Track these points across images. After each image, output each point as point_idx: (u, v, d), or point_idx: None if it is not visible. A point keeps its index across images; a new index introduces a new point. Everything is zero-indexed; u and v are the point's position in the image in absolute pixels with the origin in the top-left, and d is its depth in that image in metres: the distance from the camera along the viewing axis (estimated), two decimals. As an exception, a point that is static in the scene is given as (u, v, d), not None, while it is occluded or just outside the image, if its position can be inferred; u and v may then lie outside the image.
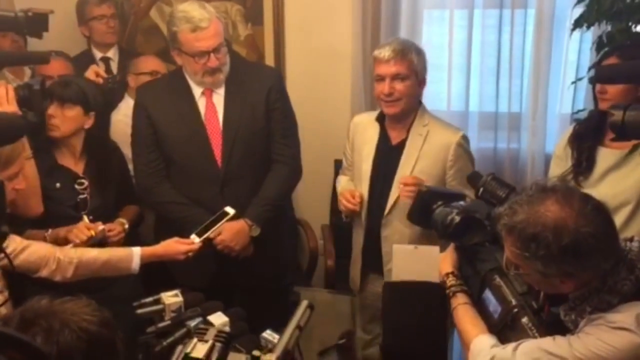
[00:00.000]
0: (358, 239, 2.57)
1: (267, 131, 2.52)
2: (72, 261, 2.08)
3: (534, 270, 1.43)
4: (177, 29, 2.35)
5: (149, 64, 2.97)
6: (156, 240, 2.44)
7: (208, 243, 2.38)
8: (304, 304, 1.89)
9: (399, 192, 2.37)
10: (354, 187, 2.54)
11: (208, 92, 2.48)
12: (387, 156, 2.46)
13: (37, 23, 2.19)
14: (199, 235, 2.29)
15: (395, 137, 2.46)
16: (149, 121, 2.47)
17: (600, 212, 1.42)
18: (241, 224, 2.44)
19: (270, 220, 2.51)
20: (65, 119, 2.36)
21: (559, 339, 1.44)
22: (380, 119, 2.50)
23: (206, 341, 1.76)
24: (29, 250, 2.02)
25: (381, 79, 2.38)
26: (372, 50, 3.14)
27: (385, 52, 2.36)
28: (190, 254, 2.25)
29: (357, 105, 3.23)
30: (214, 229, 2.32)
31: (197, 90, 2.48)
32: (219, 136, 2.47)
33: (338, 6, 3.17)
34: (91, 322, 1.15)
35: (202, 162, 2.47)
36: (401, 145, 2.44)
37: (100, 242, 2.36)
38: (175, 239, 2.26)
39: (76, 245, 2.28)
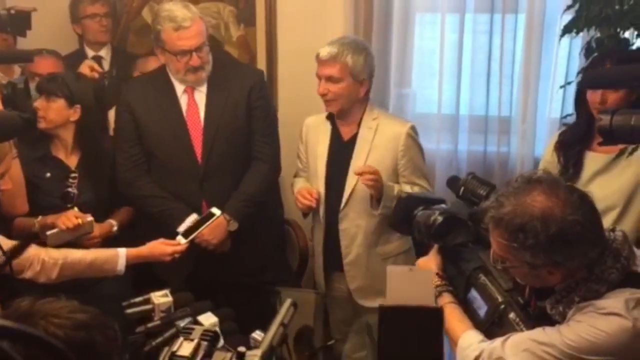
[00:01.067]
0: (318, 238, 2.65)
1: (248, 129, 2.56)
2: (56, 262, 2.08)
3: (522, 261, 1.45)
4: (160, 28, 2.38)
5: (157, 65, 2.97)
6: (137, 237, 2.46)
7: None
8: (288, 302, 1.92)
9: (353, 184, 2.46)
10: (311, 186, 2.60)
11: (190, 89, 2.52)
12: (340, 152, 2.53)
13: (20, 21, 2.19)
14: (185, 236, 2.31)
15: (346, 132, 2.54)
16: (131, 117, 2.51)
17: (585, 201, 1.44)
18: (219, 218, 2.46)
19: (248, 216, 2.53)
20: (50, 111, 2.41)
21: (549, 329, 1.46)
22: (331, 117, 2.57)
23: (192, 340, 1.78)
24: None
25: (319, 78, 2.46)
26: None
27: (322, 53, 2.44)
28: (176, 255, 2.26)
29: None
30: (200, 229, 2.34)
31: (179, 88, 2.52)
32: (200, 133, 2.51)
33: (330, 9, 3.18)
34: (61, 326, 1.11)
35: (182, 158, 2.51)
36: (353, 140, 2.52)
37: (75, 241, 2.36)
38: (161, 240, 2.27)
39: (61, 232, 2.29)
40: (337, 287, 2.65)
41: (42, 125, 2.42)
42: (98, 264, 2.16)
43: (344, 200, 2.50)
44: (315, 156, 2.58)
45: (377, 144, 2.48)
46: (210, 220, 2.38)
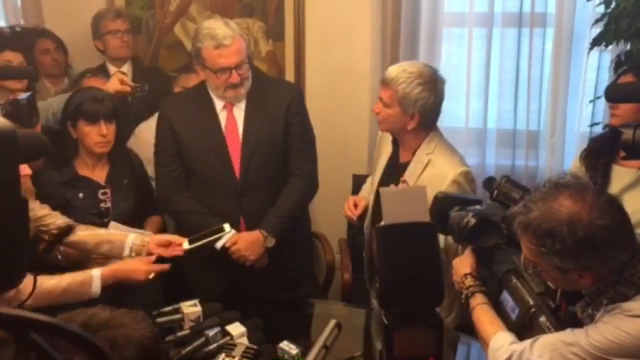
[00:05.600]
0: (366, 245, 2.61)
1: (285, 145, 2.57)
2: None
3: (552, 266, 1.45)
4: (201, 45, 2.41)
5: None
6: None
7: (222, 252, 2.43)
8: (332, 323, 1.82)
9: None
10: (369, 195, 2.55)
11: (229, 105, 2.54)
12: (393, 173, 2.44)
13: (25, 39, 2.19)
14: (190, 242, 2.26)
15: (403, 156, 2.45)
16: (171, 132, 2.53)
17: (613, 205, 1.44)
18: (256, 234, 2.48)
19: (285, 232, 2.55)
20: (110, 135, 2.44)
21: (577, 330, 1.46)
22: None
23: (234, 357, 1.79)
24: None
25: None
26: (391, 68, 3.22)
27: (385, 73, 2.34)
28: (151, 275, 2.19)
29: (375, 122, 3.23)
30: (203, 242, 2.27)
31: (218, 104, 2.53)
32: (239, 148, 2.52)
33: (358, 24, 3.22)
34: (149, 339, 1.20)
35: (221, 173, 2.52)
36: (406, 165, 2.40)
37: None
38: (139, 258, 2.22)
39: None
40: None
41: (106, 149, 2.46)
42: (73, 289, 2.07)
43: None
44: (376, 166, 2.55)
45: (423, 180, 2.28)
46: (216, 236, 2.31)
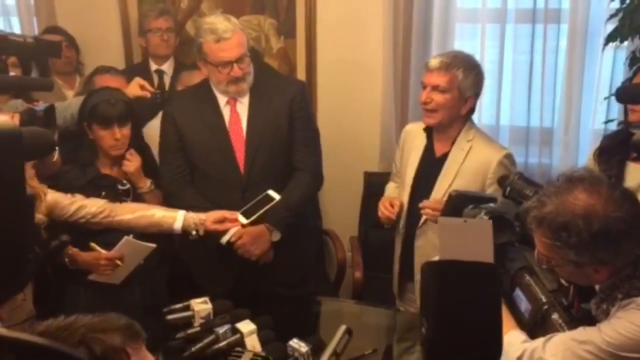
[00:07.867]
0: (397, 246, 2.59)
1: (289, 140, 2.57)
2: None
3: (567, 260, 1.43)
4: (202, 40, 2.42)
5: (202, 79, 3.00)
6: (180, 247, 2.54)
7: (228, 247, 2.44)
8: (342, 329, 1.81)
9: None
10: (399, 195, 2.54)
11: (232, 101, 2.54)
12: (430, 167, 2.46)
13: (48, 50, 2.22)
14: (246, 215, 2.35)
15: (439, 149, 2.46)
16: (175, 129, 2.54)
17: (628, 197, 1.42)
18: (261, 228, 2.47)
19: (290, 226, 2.54)
20: (124, 137, 2.44)
21: (589, 328, 1.44)
22: (428, 129, 2.50)
23: None
24: None
25: (424, 86, 2.39)
26: (403, 64, 3.20)
27: (433, 62, 2.37)
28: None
29: (387, 118, 3.25)
30: (262, 210, 2.36)
31: (222, 100, 2.54)
32: (242, 144, 2.52)
33: (369, 20, 3.21)
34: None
35: (225, 169, 2.53)
36: (444, 157, 2.43)
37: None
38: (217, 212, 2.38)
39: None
40: (410, 296, 2.61)
41: (122, 151, 2.46)
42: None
43: (423, 217, 2.41)
44: (406, 165, 2.53)
45: (466, 167, 2.37)
46: (271, 204, 2.37)
